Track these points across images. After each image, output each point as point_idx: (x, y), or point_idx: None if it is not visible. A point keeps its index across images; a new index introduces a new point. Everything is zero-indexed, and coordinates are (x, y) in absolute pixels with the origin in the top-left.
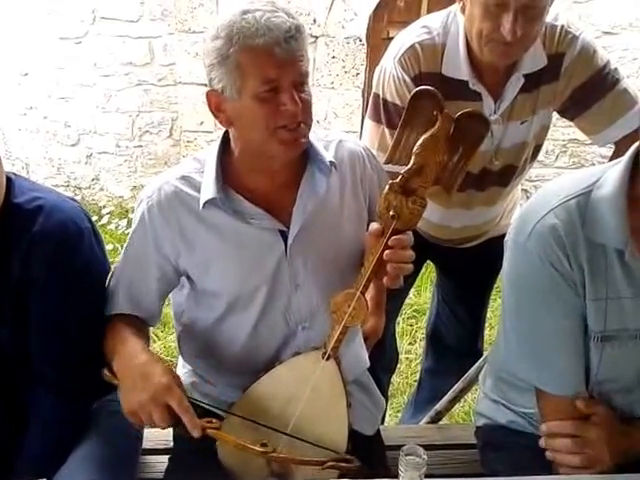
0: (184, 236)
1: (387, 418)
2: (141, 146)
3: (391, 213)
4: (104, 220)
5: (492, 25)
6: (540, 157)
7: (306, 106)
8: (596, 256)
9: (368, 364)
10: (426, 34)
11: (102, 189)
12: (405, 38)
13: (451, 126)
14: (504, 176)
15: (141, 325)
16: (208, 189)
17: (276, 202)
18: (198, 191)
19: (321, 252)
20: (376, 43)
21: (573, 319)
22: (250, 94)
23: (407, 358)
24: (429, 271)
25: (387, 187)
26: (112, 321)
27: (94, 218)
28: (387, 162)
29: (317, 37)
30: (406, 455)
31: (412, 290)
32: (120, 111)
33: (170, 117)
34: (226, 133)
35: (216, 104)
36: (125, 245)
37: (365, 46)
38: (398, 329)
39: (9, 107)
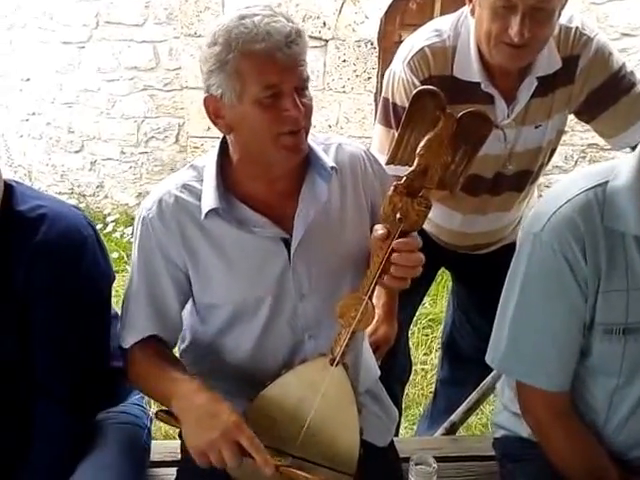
0: (187, 245)
1: (402, 430)
2: (147, 152)
3: (398, 216)
4: (109, 228)
5: (500, 27)
6: (559, 162)
7: (307, 111)
8: (615, 247)
9: (379, 373)
10: (436, 37)
11: (107, 196)
12: (414, 41)
13: (454, 126)
14: (519, 181)
15: (170, 352)
16: (209, 198)
17: (277, 209)
18: (199, 199)
19: (325, 258)
20: (388, 46)
21: (574, 317)
22: (251, 100)
23: (422, 369)
24: (444, 279)
25: (392, 189)
26: (138, 350)
27: (99, 226)
28: (389, 163)
29: (327, 40)
30: (416, 464)
31: (427, 299)
32: (125, 117)
33: (176, 122)
34: (224, 139)
35: (215, 110)
36: (132, 264)
37: (377, 49)
38: (413, 339)
39: (11, 113)
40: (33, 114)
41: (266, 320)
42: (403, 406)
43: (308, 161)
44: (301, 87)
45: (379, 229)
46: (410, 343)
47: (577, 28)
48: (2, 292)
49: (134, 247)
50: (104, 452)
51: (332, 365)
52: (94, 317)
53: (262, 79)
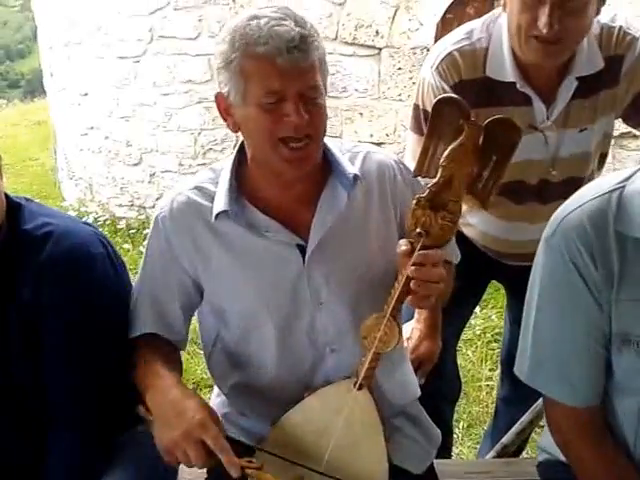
0: (198, 247)
1: (465, 450)
2: (205, 164)
3: (418, 230)
4: None
5: (529, 18)
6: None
7: (315, 120)
8: (630, 253)
9: (418, 393)
10: (466, 40)
11: None
12: (443, 46)
13: (480, 135)
14: (569, 189)
15: (172, 352)
16: (220, 200)
17: (293, 215)
18: (211, 201)
19: (345, 268)
20: None
21: (591, 326)
22: (254, 101)
23: (487, 385)
24: None
25: (414, 202)
26: (140, 347)
27: None
28: (416, 175)
29: (380, 49)
30: None
31: (493, 311)
32: (181, 129)
33: (233, 134)
34: (243, 143)
35: (225, 107)
36: (142, 262)
37: None
38: (477, 354)
39: (70, 127)
40: (92, 128)
41: (282, 330)
42: (465, 425)
43: (329, 168)
44: (308, 94)
45: (402, 244)
46: (473, 358)
47: (621, 27)
48: (10, 312)
49: (146, 245)
50: (125, 473)
51: (356, 389)
52: (106, 337)
53: (264, 84)
